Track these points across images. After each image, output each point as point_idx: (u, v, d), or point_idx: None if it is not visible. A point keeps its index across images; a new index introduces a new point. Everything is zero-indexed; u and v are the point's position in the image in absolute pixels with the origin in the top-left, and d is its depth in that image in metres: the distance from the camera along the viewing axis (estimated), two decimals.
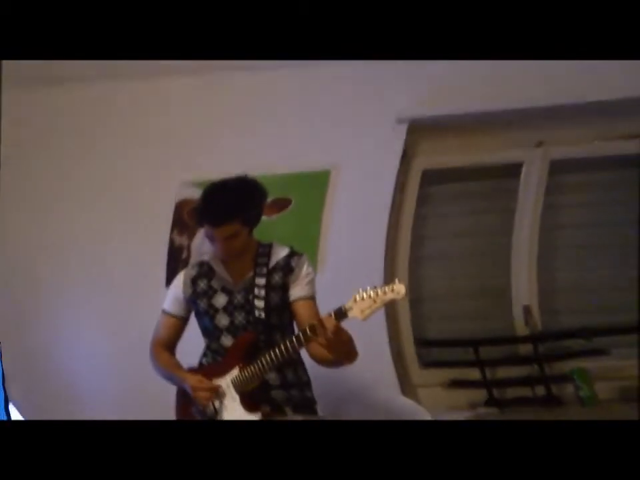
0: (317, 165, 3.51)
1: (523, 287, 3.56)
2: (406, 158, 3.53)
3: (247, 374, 2.39)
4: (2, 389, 2.64)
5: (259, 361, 2.35)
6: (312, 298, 2.53)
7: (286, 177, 3.46)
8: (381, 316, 3.25)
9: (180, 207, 3.55)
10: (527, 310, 3.52)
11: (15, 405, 3.07)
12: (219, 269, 2.58)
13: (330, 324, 2.18)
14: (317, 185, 3.52)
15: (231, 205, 2.43)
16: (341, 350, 2.27)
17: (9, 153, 3.32)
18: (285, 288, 2.51)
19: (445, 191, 3.71)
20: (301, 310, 2.50)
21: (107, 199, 3.59)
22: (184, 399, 2.57)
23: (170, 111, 3.56)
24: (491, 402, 3.41)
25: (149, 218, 3.57)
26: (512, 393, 3.46)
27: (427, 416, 3.13)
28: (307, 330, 2.25)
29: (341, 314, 2.18)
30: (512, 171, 3.59)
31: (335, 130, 3.39)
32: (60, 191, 3.60)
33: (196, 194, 3.36)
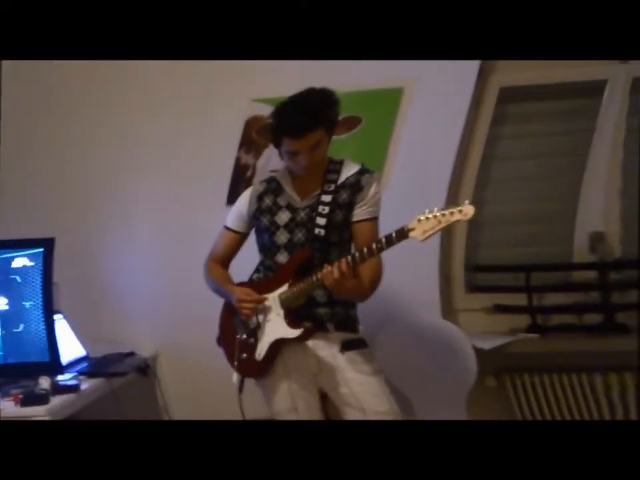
0: (389, 82, 3.46)
1: (593, 213, 3.45)
2: (483, 75, 3.45)
3: (295, 290, 2.46)
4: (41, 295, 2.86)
5: (309, 278, 2.41)
6: (375, 219, 2.56)
7: (357, 95, 3.42)
8: (435, 238, 3.28)
9: (249, 125, 3.58)
10: (594, 237, 3.41)
11: (64, 316, 3.29)
12: (287, 186, 2.62)
13: (329, 275, 2.28)
14: (388, 103, 3.48)
15: (311, 112, 2.42)
16: (343, 294, 2.39)
17: None
18: (351, 206, 2.53)
19: (521, 110, 3.61)
20: (361, 232, 2.54)
21: (176, 114, 3.67)
22: (229, 311, 2.68)
23: None
24: (533, 328, 3.37)
25: (217, 135, 3.62)
26: (556, 321, 3.42)
27: (465, 340, 3.19)
28: (317, 274, 2.36)
29: (402, 234, 2.21)
30: (593, 89, 3.46)
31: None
32: (129, 102, 3.71)
33: (265, 111, 3.44)
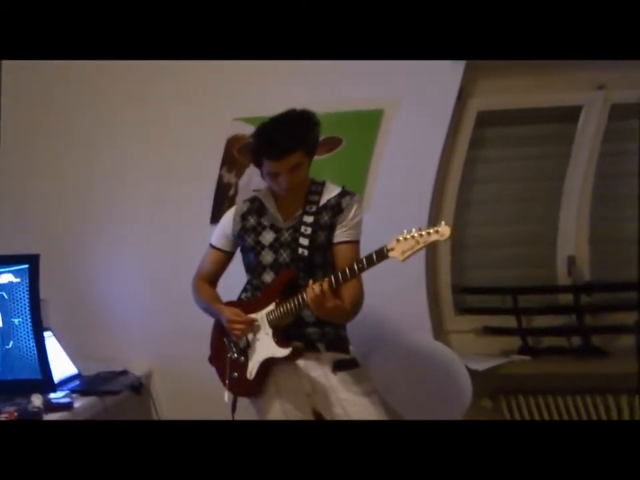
0: (370, 103, 3.53)
1: (570, 237, 3.57)
2: (462, 98, 3.53)
3: (282, 310, 2.50)
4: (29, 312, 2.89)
5: (295, 298, 2.45)
6: (355, 242, 2.60)
7: (338, 116, 3.48)
8: (420, 260, 3.34)
9: (230, 144, 3.63)
10: (571, 260, 3.52)
11: (53, 333, 3.31)
12: (270, 206, 2.66)
13: (311, 293, 2.33)
14: (369, 124, 3.54)
15: (291, 134, 2.46)
16: (323, 314, 2.40)
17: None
18: (332, 228, 2.58)
19: (499, 133, 3.71)
20: (342, 254, 2.58)
21: (158, 134, 3.72)
22: (219, 330, 2.72)
23: None
24: (524, 350, 3.45)
25: (199, 154, 3.67)
26: (546, 343, 3.50)
27: (457, 360, 3.24)
28: (297, 297, 2.42)
29: (381, 254, 2.25)
30: (570, 114, 3.57)
31: (389, 68, 3.31)
32: (111, 124, 3.75)
33: (247, 130, 3.49)
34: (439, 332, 3.55)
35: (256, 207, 2.71)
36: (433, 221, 3.36)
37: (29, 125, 3.81)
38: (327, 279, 2.35)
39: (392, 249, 2.24)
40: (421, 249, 2.23)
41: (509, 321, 3.51)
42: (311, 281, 2.38)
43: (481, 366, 3.26)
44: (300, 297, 2.43)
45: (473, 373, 3.22)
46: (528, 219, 3.70)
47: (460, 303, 3.68)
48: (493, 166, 3.73)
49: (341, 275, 2.34)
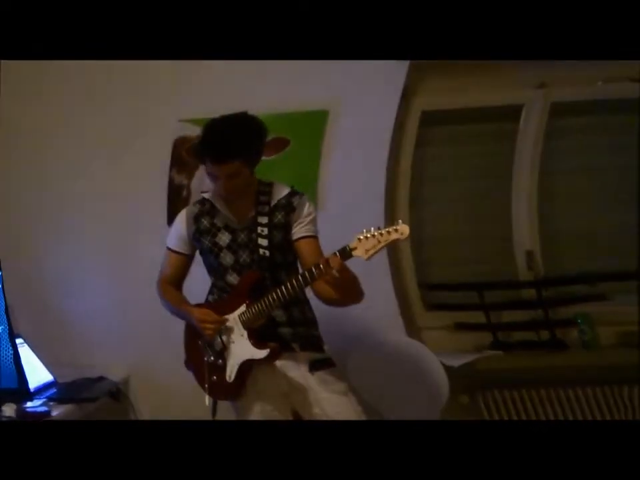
0: (315, 103, 3.56)
1: (525, 232, 3.67)
2: (406, 97, 3.58)
3: (254, 311, 2.49)
4: (5, 319, 2.79)
5: (265, 298, 2.45)
6: (315, 237, 2.63)
7: (284, 116, 3.50)
8: (383, 259, 3.38)
9: (178, 145, 3.61)
10: (529, 255, 3.63)
11: (23, 337, 3.25)
12: (221, 206, 2.66)
13: (335, 263, 2.27)
14: (315, 124, 3.57)
15: (233, 141, 2.46)
16: (347, 289, 2.37)
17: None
18: (287, 227, 2.60)
19: (443, 132, 3.79)
20: (305, 248, 2.60)
21: (106, 137, 3.66)
22: (191, 332, 2.69)
23: None
24: (496, 345, 3.51)
25: (149, 156, 3.63)
26: (516, 336, 3.57)
27: (432, 356, 3.26)
28: (313, 268, 2.33)
29: (345, 253, 2.26)
30: (512, 113, 3.67)
31: (334, 66, 3.29)
32: (60, 129, 3.68)
33: (194, 131, 3.47)
34: (412, 329, 3.58)
35: (207, 208, 2.71)
36: (389, 219, 3.40)
37: None
38: (332, 255, 2.29)
39: (355, 248, 2.26)
40: (382, 247, 2.25)
41: (477, 317, 3.57)
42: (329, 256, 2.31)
43: (455, 362, 3.30)
44: (270, 297, 2.44)
45: (448, 369, 3.26)
46: (483, 215, 3.77)
47: (428, 300, 3.72)
48: (441, 164, 3.80)
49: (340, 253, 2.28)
